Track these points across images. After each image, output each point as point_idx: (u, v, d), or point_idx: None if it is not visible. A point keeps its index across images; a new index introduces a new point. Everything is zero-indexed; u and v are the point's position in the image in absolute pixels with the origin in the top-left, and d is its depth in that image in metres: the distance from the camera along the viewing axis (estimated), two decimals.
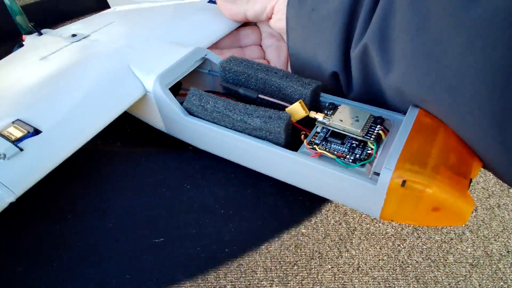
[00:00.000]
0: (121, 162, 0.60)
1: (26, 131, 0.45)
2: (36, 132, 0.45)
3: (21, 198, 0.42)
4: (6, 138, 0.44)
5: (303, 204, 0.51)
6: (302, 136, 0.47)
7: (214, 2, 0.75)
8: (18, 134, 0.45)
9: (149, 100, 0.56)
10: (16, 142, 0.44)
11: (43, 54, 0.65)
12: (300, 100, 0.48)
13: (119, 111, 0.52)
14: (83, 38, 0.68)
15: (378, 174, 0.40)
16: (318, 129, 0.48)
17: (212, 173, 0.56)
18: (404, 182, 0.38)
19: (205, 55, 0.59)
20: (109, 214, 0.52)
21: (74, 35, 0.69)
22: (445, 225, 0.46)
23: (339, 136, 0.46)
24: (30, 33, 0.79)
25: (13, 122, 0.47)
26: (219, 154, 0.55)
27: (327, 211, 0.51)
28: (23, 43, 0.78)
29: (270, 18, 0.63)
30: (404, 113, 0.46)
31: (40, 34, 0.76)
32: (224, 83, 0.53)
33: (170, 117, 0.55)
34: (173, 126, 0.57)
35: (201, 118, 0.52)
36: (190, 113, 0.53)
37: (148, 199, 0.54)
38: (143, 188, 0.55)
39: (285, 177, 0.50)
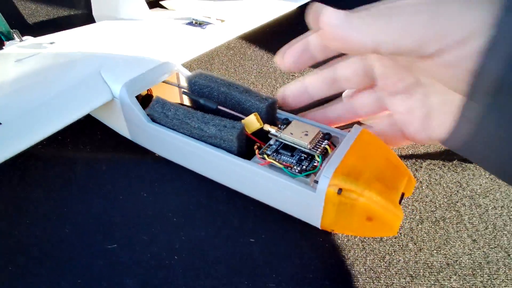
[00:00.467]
0: (84, 168, 0.61)
1: None
2: None
3: None
4: None
5: (253, 213, 0.53)
6: (255, 147, 0.50)
7: (194, 25, 0.80)
8: None
9: (115, 106, 0.58)
10: None
11: (19, 57, 0.67)
12: (255, 113, 0.51)
13: (84, 112, 0.54)
14: (60, 45, 0.71)
15: (317, 182, 0.42)
16: (271, 142, 0.51)
17: (169, 181, 0.58)
18: (340, 190, 0.40)
19: (175, 69, 0.63)
20: (67, 220, 0.53)
21: (52, 43, 0.72)
22: (378, 235, 0.48)
23: (290, 149, 0.49)
24: (10, 39, 0.81)
25: None
26: (176, 161, 0.57)
27: (276, 220, 0.52)
28: (4, 48, 0.80)
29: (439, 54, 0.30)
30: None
31: (21, 41, 0.78)
32: (186, 93, 0.56)
33: (134, 123, 0.57)
34: (137, 133, 0.59)
35: (162, 125, 0.54)
36: (153, 120, 0.55)
37: (105, 205, 0.54)
38: (102, 195, 0.56)
39: (236, 185, 0.52)
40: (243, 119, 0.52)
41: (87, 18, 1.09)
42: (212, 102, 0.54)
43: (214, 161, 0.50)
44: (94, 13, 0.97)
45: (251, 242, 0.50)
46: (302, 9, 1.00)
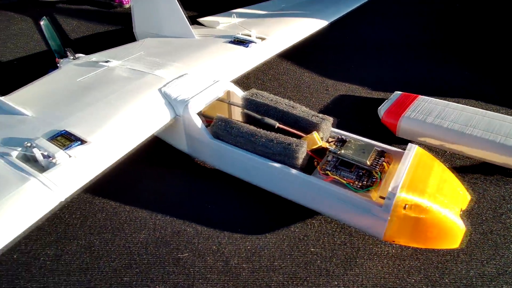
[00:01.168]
0: (153, 182, 0.66)
1: (73, 140, 0.51)
2: (82, 142, 0.51)
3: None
4: (57, 145, 0.49)
5: (312, 225, 0.57)
6: (315, 163, 0.54)
7: (237, 43, 0.85)
8: (66, 142, 0.50)
9: (177, 123, 0.62)
10: (65, 148, 0.49)
11: (80, 76, 0.72)
12: (316, 132, 0.55)
13: (153, 130, 0.58)
14: (116, 64, 0.75)
15: (383, 197, 0.46)
16: (329, 158, 0.55)
17: (233, 194, 0.62)
18: (406, 206, 0.44)
19: (228, 87, 0.67)
20: (141, 229, 0.57)
21: (107, 61, 0.77)
22: (440, 247, 0.51)
23: (348, 165, 0.53)
24: (63, 57, 0.86)
25: (61, 132, 0.52)
26: (239, 176, 0.61)
27: (334, 231, 0.56)
28: (59, 65, 0.85)
29: None
30: (403, 148, 0.53)
31: (75, 58, 0.83)
32: (248, 111, 0.60)
33: (196, 139, 0.61)
34: (198, 148, 0.63)
35: (225, 141, 0.58)
36: (216, 137, 0.59)
37: (174, 215, 0.59)
38: (170, 205, 0.61)
39: (298, 199, 0.55)
40: (301, 136, 0.56)
41: (125, 34, 1.14)
42: (272, 120, 0.58)
43: (279, 176, 0.54)
44: (135, 30, 1.01)
45: (312, 252, 0.54)
46: (332, 25, 1.05)
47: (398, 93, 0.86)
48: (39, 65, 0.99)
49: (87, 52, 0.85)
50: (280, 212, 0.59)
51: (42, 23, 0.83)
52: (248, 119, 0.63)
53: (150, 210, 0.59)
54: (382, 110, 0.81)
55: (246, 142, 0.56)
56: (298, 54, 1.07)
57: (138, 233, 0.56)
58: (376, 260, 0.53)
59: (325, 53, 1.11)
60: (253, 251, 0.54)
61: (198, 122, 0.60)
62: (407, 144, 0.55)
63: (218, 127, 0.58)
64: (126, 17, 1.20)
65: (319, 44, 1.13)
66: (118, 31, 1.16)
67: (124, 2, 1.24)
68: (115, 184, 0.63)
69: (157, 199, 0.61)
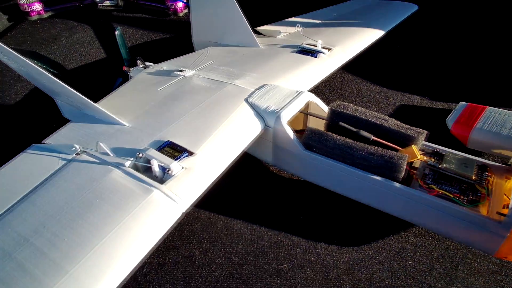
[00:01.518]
0: (244, 191, 0.67)
1: (180, 151, 0.52)
2: (189, 153, 0.52)
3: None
4: (168, 156, 0.50)
5: (407, 237, 0.57)
6: (414, 176, 0.54)
7: (304, 53, 0.85)
8: (175, 153, 0.51)
9: (265, 134, 0.63)
10: (176, 159, 0.50)
11: (159, 85, 0.73)
12: (414, 145, 0.55)
13: (248, 141, 0.59)
14: (190, 73, 0.77)
15: (501, 214, 0.46)
16: (426, 171, 0.55)
17: (323, 207, 0.62)
18: None
19: (310, 98, 0.67)
20: (238, 239, 0.58)
21: (181, 70, 0.78)
22: None
23: (448, 179, 0.53)
24: (131, 65, 0.88)
25: (166, 143, 0.53)
26: (332, 189, 0.61)
27: (429, 244, 0.56)
28: (129, 74, 0.87)
29: None
30: (502, 162, 0.53)
31: (145, 67, 0.85)
32: (343, 124, 0.60)
33: (286, 151, 0.62)
34: (286, 160, 0.64)
35: (319, 153, 0.59)
36: (308, 148, 0.60)
37: (269, 227, 0.60)
38: (264, 216, 0.62)
39: (397, 211, 0.56)
40: (398, 150, 0.56)
41: (179, 41, 1.16)
42: (367, 133, 0.58)
43: (379, 189, 0.54)
44: (193, 39, 1.03)
45: (410, 265, 0.54)
46: (388, 34, 1.05)
47: (463, 103, 0.86)
48: (102, 72, 1.01)
49: (144, 59, 0.86)
50: (373, 224, 0.59)
51: (116, 33, 0.85)
52: (341, 131, 0.63)
53: (244, 220, 0.60)
54: (450, 121, 0.81)
55: (343, 154, 0.56)
56: (353, 62, 1.07)
57: (236, 244, 0.56)
58: (477, 276, 0.53)
59: (380, 61, 1.12)
60: (352, 263, 0.55)
61: (290, 134, 0.60)
62: (480, 155, 0.55)
63: (311, 138, 0.59)
64: (180, 25, 1.22)
65: (372, 51, 1.14)
66: (172, 39, 1.18)
67: (179, 11, 1.26)
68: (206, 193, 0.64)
69: (250, 210, 0.62)
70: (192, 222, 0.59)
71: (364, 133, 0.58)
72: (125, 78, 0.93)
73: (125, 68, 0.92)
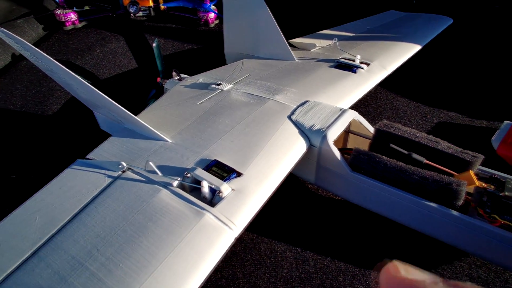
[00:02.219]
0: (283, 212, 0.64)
1: (228, 172, 0.50)
2: (237, 173, 0.50)
3: None
4: (216, 176, 0.49)
5: (461, 267, 0.54)
6: (472, 204, 0.51)
7: (342, 68, 0.83)
8: (223, 174, 0.50)
9: (309, 153, 0.61)
10: (225, 180, 0.49)
11: (196, 99, 0.72)
12: (471, 170, 0.53)
13: (294, 160, 0.57)
14: (228, 87, 0.76)
15: None
16: (484, 199, 0.52)
17: (368, 231, 0.60)
18: None
19: (354, 116, 0.65)
20: (282, 263, 0.56)
21: (219, 84, 0.77)
22: None
23: (508, 208, 0.50)
24: (166, 77, 0.88)
25: (213, 162, 0.52)
26: (381, 212, 0.58)
27: (487, 276, 0.53)
28: (164, 85, 0.86)
29: None
30: None
31: (181, 79, 0.84)
32: (394, 146, 0.58)
33: (332, 171, 0.60)
34: (331, 181, 0.61)
35: (367, 175, 0.57)
36: (355, 170, 0.58)
37: (313, 250, 0.58)
38: (307, 239, 0.59)
39: (453, 240, 0.53)
40: (453, 174, 0.54)
41: (209, 52, 1.15)
42: (420, 156, 0.56)
43: (433, 216, 0.52)
44: (226, 50, 1.02)
45: None
46: (424, 48, 1.02)
47: (509, 122, 0.83)
48: (135, 82, 1.01)
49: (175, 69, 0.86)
50: (425, 251, 0.56)
51: (154, 44, 0.85)
52: (381, 151, 0.61)
53: (288, 243, 0.58)
54: (495, 141, 0.78)
55: (394, 178, 0.54)
56: (386, 76, 1.05)
57: (281, 268, 0.54)
58: None
59: (414, 75, 1.09)
60: None
61: (337, 154, 0.58)
62: None
63: (359, 160, 0.57)
64: (210, 36, 1.22)
65: (405, 65, 1.11)
66: (203, 49, 1.17)
67: (210, 22, 1.26)
68: None
69: (293, 231, 0.60)
70: (235, 244, 0.57)
71: (416, 156, 0.56)
72: (159, 89, 0.93)
73: (159, 79, 0.92)
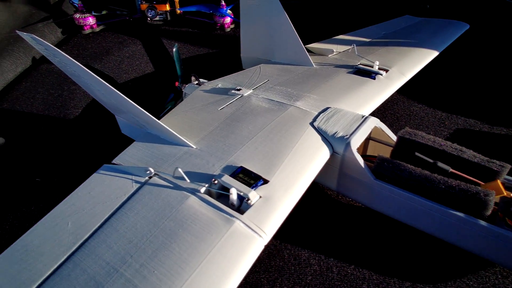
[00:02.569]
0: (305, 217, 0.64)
1: (255, 179, 0.51)
2: (264, 181, 0.51)
3: None
4: (243, 183, 0.49)
5: (488, 277, 0.54)
6: (500, 214, 0.51)
7: (361, 74, 0.83)
8: (250, 181, 0.50)
9: (331, 160, 0.61)
10: (252, 187, 0.49)
11: (217, 104, 0.73)
12: (499, 180, 0.52)
13: (318, 168, 0.57)
14: (248, 92, 0.76)
15: None
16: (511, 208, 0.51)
17: (390, 239, 0.60)
18: None
19: (376, 124, 0.65)
20: (306, 269, 0.56)
21: (239, 89, 0.78)
22: None
23: None
24: (185, 82, 0.89)
25: (239, 169, 0.52)
26: (404, 221, 0.58)
27: None
28: (183, 90, 0.87)
29: None
30: None
31: (199, 84, 0.85)
32: (419, 154, 0.58)
33: (354, 179, 0.60)
34: (353, 188, 0.62)
35: (391, 183, 0.56)
36: (378, 177, 0.58)
37: (337, 257, 0.58)
38: (330, 245, 0.59)
39: (479, 250, 0.52)
40: (480, 184, 0.53)
41: (225, 56, 1.16)
42: (445, 165, 0.56)
43: (460, 226, 0.52)
44: (242, 55, 1.03)
45: None
46: (442, 54, 1.01)
47: None
48: (152, 86, 1.02)
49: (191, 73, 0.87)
50: (449, 260, 0.56)
51: (174, 49, 0.86)
52: (404, 158, 0.61)
53: (312, 250, 0.58)
54: None
55: (419, 186, 0.54)
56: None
57: (305, 275, 0.54)
58: None
59: (430, 81, 1.08)
60: None
61: (361, 162, 0.58)
62: None
63: (383, 168, 0.57)
64: (226, 40, 1.23)
65: (421, 71, 1.11)
66: (219, 53, 1.18)
67: (226, 26, 1.26)
68: None
69: (316, 238, 0.60)
70: None
71: (442, 165, 0.56)
72: (177, 93, 0.94)
73: (177, 83, 0.93)
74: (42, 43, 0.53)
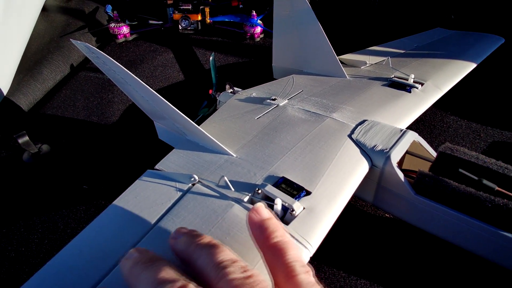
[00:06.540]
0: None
1: (298, 189, 0.51)
2: (307, 192, 0.51)
3: None
4: (286, 193, 0.49)
5: None
6: None
7: (396, 87, 0.83)
8: (293, 192, 0.50)
9: (370, 173, 0.61)
10: (296, 198, 0.49)
11: (252, 113, 0.74)
12: None
13: (358, 180, 0.57)
14: (283, 103, 0.77)
15: None
16: None
17: (428, 253, 0.59)
18: None
19: (415, 138, 0.65)
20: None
21: (274, 99, 0.78)
22: None
23: None
24: (219, 90, 0.90)
25: (281, 179, 0.53)
26: (447, 239, 0.57)
27: None
28: (217, 98, 0.89)
29: None
30: None
31: (234, 92, 0.86)
32: (463, 171, 0.57)
33: (394, 193, 0.59)
34: (391, 202, 0.61)
35: (432, 199, 0.56)
36: (419, 193, 0.57)
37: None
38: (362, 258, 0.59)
39: None
40: None
41: (255, 66, 1.17)
42: (491, 183, 0.54)
43: (508, 247, 0.50)
44: (274, 64, 1.04)
45: None
46: (479, 66, 1.00)
47: None
48: (184, 94, 1.04)
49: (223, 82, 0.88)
50: (489, 279, 0.55)
51: (210, 58, 0.88)
52: (443, 174, 0.60)
53: (333, 266, 0.57)
54: None
55: (462, 203, 0.53)
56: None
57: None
58: None
59: (462, 92, 1.06)
60: None
61: (401, 176, 0.58)
62: None
63: (425, 183, 0.56)
64: (256, 50, 1.24)
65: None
66: (249, 63, 1.20)
67: (256, 36, 1.28)
68: None
69: (355, 253, 0.60)
70: None
71: (487, 183, 0.55)
72: (210, 100, 0.96)
73: (211, 91, 0.94)
74: (94, 51, 0.56)
